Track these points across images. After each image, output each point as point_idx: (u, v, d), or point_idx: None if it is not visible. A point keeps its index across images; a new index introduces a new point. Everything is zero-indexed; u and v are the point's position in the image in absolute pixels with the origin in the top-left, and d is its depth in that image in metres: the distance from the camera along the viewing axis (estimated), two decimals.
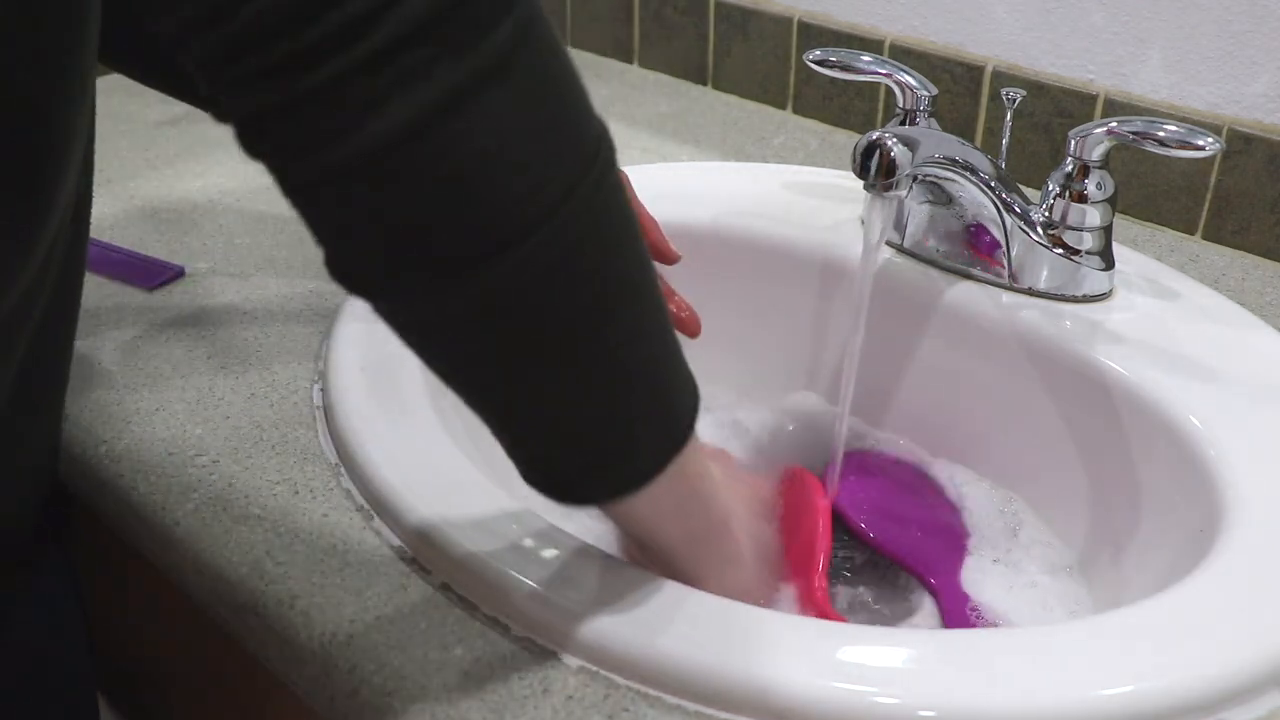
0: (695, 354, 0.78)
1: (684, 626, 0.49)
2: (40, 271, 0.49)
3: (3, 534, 0.59)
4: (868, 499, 0.72)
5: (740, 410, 0.80)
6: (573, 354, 0.42)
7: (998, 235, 0.72)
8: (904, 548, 0.69)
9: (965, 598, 0.65)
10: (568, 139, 0.39)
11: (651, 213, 0.70)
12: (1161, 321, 0.70)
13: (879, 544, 0.70)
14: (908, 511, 0.72)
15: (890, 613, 0.67)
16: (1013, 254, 0.72)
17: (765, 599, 0.59)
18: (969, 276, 0.74)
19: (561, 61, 0.39)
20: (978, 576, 0.67)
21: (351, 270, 0.40)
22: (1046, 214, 0.71)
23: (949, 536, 0.70)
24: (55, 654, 0.64)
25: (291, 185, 0.39)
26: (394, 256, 0.38)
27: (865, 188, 0.64)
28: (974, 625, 0.64)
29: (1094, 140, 0.68)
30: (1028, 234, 0.71)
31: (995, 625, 0.64)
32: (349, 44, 0.34)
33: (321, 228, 0.40)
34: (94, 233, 0.79)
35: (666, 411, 0.47)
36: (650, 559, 0.54)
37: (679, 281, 0.83)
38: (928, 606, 0.66)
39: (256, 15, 0.34)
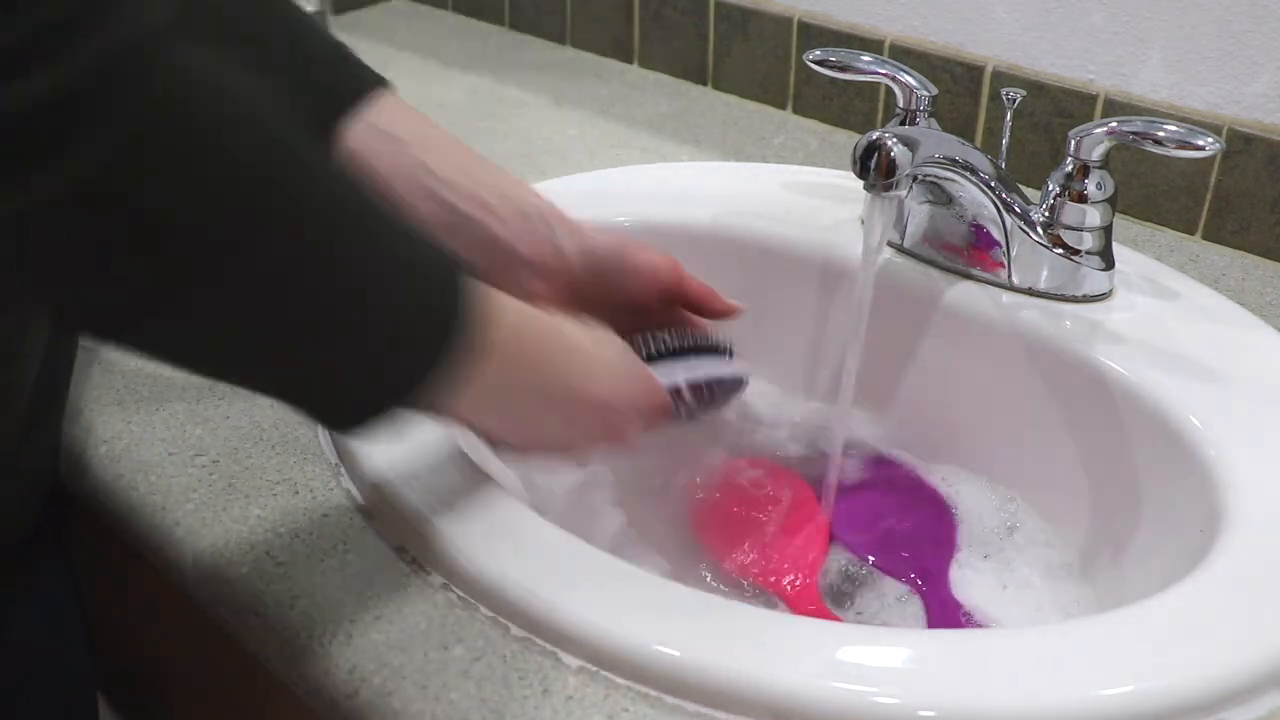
0: None
1: (684, 626, 0.49)
2: None
3: (4, 534, 0.59)
4: (861, 507, 0.72)
5: (740, 410, 0.80)
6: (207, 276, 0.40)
7: (998, 235, 0.72)
8: (894, 559, 0.69)
9: (956, 605, 0.65)
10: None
11: (651, 213, 0.70)
12: (1161, 321, 0.70)
13: (868, 556, 0.69)
14: (899, 519, 0.72)
15: (881, 621, 0.66)
16: (1013, 254, 0.72)
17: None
18: (969, 276, 0.74)
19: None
20: (976, 576, 0.67)
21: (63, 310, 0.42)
22: (1046, 214, 0.71)
23: (939, 544, 0.70)
24: (55, 654, 0.64)
25: None
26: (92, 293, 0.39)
27: (865, 188, 0.64)
28: (966, 628, 0.64)
29: (1094, 140, 0.68)
30: (1028, 234, 0.71)
31: (994, 625, 0.64)
32: None
33: None
34: None
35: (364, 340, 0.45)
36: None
37: None
38: (918, 614, 0.66)
39: None
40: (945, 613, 0.65)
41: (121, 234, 0.37)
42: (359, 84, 0.64)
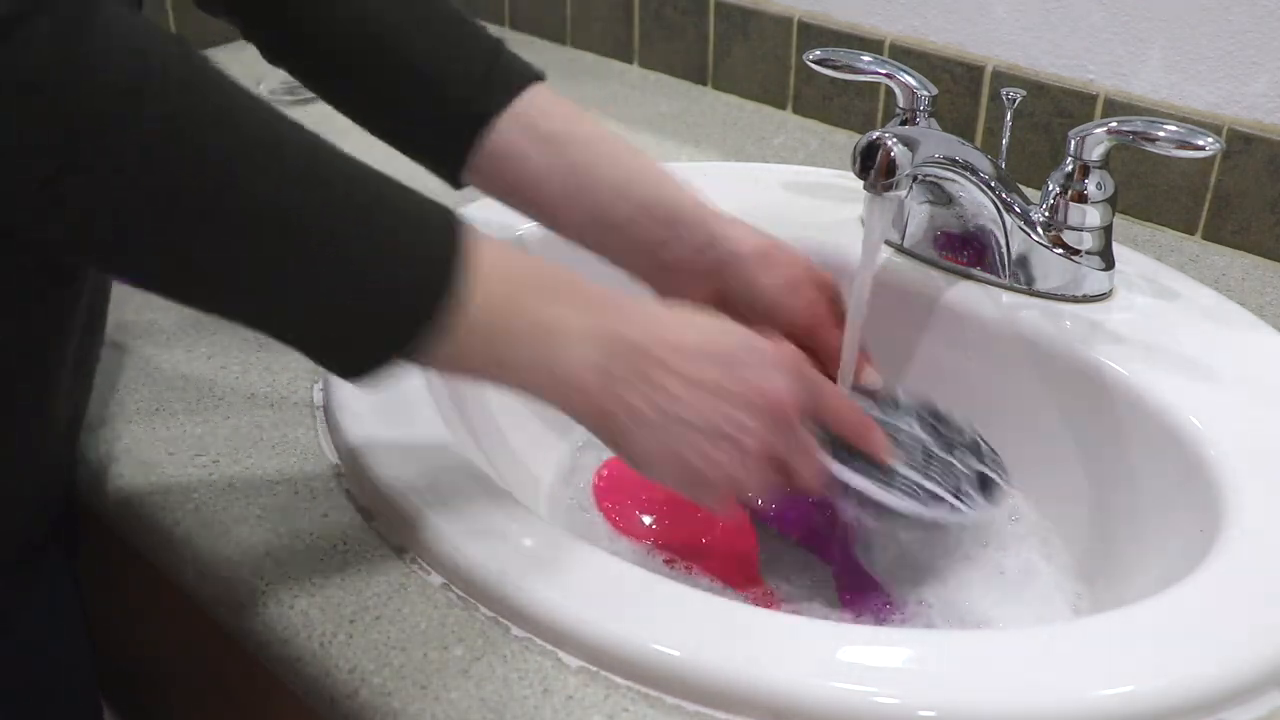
0: None
1: (684, 626, 0.49)
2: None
3: (16, 534, 0.59)
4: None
5: None
6: (207, 213, 0.42)
7: (998, 235, 0.72)
8: (803, 529, 0.69)
9: (857, 567, 0.65)
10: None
11: None
12: (1161, 321, 0.70)
13: (780, 528, 0.70)
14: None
15: (806, 596, 0.66)
16: (1013, 254, 0.72)
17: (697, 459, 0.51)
18: (969, 276, 0.74)
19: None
20: (976, 576, 0.67)
21: None
22: (1046, 214, 0.71)
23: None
24: (60, 655, 0.64)
25: None
26: None
27: (865, 188, 0.64)
28: (869, 596, 0.64)
29: (1094, 140, 0.68)
30: (1028, 234, 0.71)
31: (993, 625, 0.64)
32: None
33: None
34: None
35: (361, 291, 0.45)
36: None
37: None
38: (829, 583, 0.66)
39: None
40: (851, 580, 0.65)
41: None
42: (512, 77, 0.63)
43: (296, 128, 0.45)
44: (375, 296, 0.45)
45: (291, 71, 0.65)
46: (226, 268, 0.44)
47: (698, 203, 0.64)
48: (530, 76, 0.63)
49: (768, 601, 0.64)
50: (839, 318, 0.65)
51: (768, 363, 0.51)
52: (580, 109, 0.64)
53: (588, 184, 0.63)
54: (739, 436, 0.50)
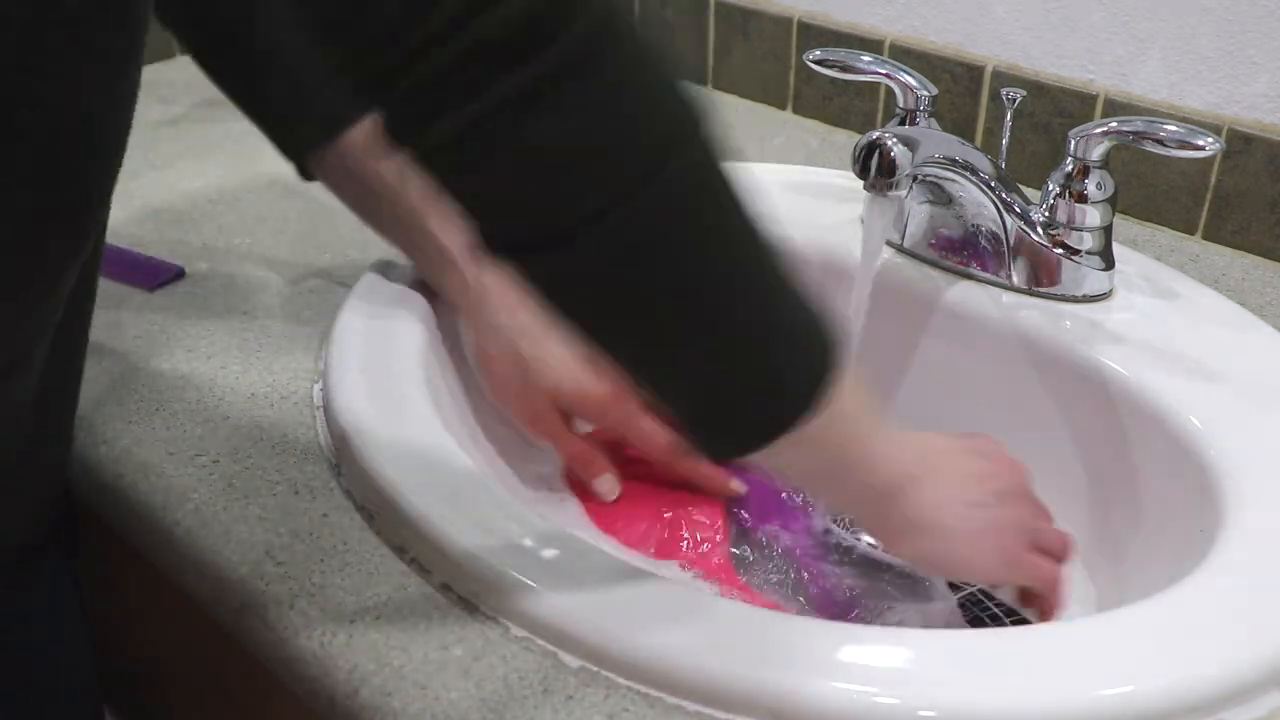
0: None
1: (684, 626, 0.49)
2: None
3: (15, 534, 0.59)
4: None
5: None
6: (664, 323, 0.45)
7: (998, 235, 0.72)
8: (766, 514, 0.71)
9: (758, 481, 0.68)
10: (644, 128, 0.42)
11: None
12: (1161, 321, 0.70)
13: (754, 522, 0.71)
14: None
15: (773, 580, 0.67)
16: (1013, 254, 0.72)
17: (985, 570, 0.59)
18: (969, 276, 0.74)
19: (641, 51, 0.42)
20: None
21: (479, 236, 0.45)
22: (1046, 214, 0.71)
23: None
24: (58, 654, 0.64)
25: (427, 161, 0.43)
26: (498, 226, 0.44)
27: (865, 188, 0.64)
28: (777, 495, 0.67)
29: (1094, 140, 0.68)
30: (1028, 234, 0.71)
31: (993, 625, 0.64)
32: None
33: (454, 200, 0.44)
34: None
35: (764, 387, 0.48)
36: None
37: None
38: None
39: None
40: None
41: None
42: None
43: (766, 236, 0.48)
44: (778, 391, 0.48)
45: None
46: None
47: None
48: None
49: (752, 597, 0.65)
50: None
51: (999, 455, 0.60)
52: None
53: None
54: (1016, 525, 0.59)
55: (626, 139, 0.42)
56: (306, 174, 0.71)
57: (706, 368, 0.47)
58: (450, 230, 0.67)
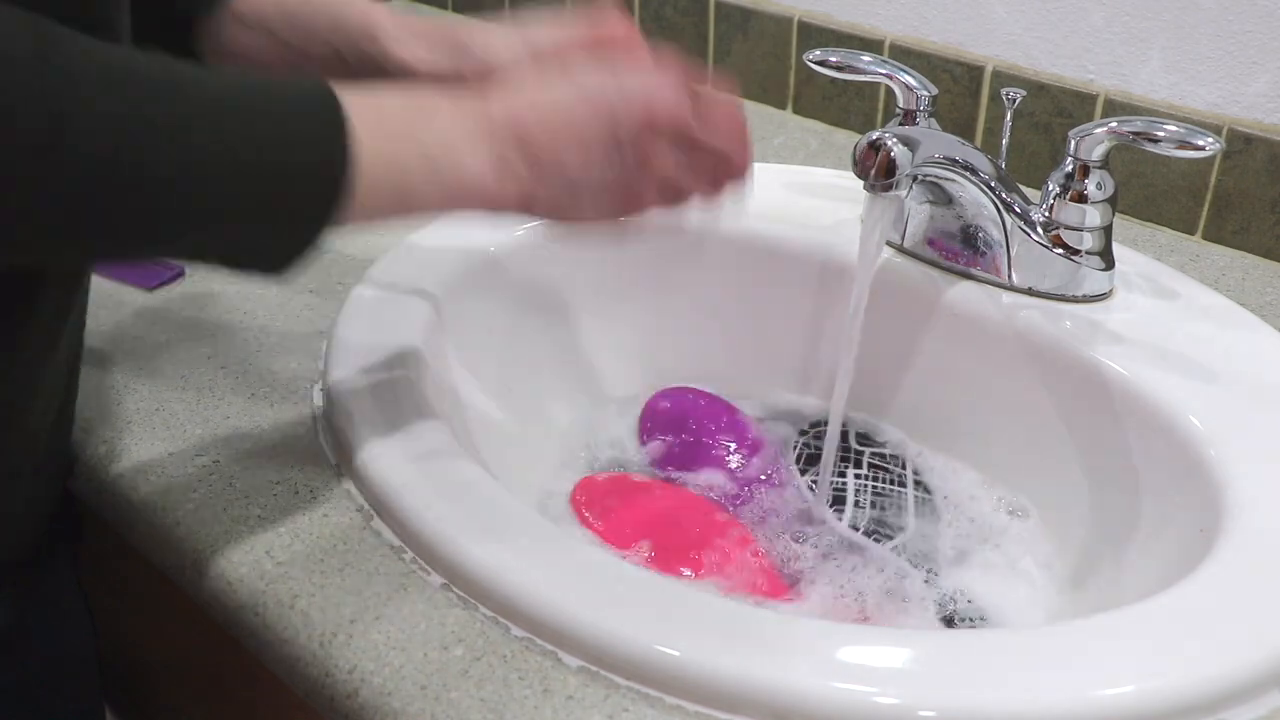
0: (694, 354, 0.78)
1: (684, 626, 0.49)
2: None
3: (17, 534, 0.59)
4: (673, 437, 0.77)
5: (739, 408, 0.80)
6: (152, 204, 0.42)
7: (998, 235, 0.72)
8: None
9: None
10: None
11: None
12: (1161, 321, 0.70)
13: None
14: (704, 430, 0.77)
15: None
16: (1013, 254, 0.72)
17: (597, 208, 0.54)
18: (969, 276, 0.74)
19: None
20: (976, 575, 0.67)
21: None
22: (1046, 214, 0.71)
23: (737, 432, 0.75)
24: (59, 654, 0.64)
25: None
26: None
27: (865, 188, 0.64)
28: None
29: (1094, 140, 0.68)
30: (1028, 234, 0.71)
31: (993, 625, 0.64)
32: None
33: None
34: None
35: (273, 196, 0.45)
36: None
37: (679, 282, 0.83)
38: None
39: None
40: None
41: None
42: None
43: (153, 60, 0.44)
44: (282, 188, 0.45)
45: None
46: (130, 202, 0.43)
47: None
48: None
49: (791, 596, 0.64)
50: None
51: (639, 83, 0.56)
52: None
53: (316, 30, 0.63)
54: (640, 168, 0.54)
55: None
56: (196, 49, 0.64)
57: (211, 225, 0.44)
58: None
